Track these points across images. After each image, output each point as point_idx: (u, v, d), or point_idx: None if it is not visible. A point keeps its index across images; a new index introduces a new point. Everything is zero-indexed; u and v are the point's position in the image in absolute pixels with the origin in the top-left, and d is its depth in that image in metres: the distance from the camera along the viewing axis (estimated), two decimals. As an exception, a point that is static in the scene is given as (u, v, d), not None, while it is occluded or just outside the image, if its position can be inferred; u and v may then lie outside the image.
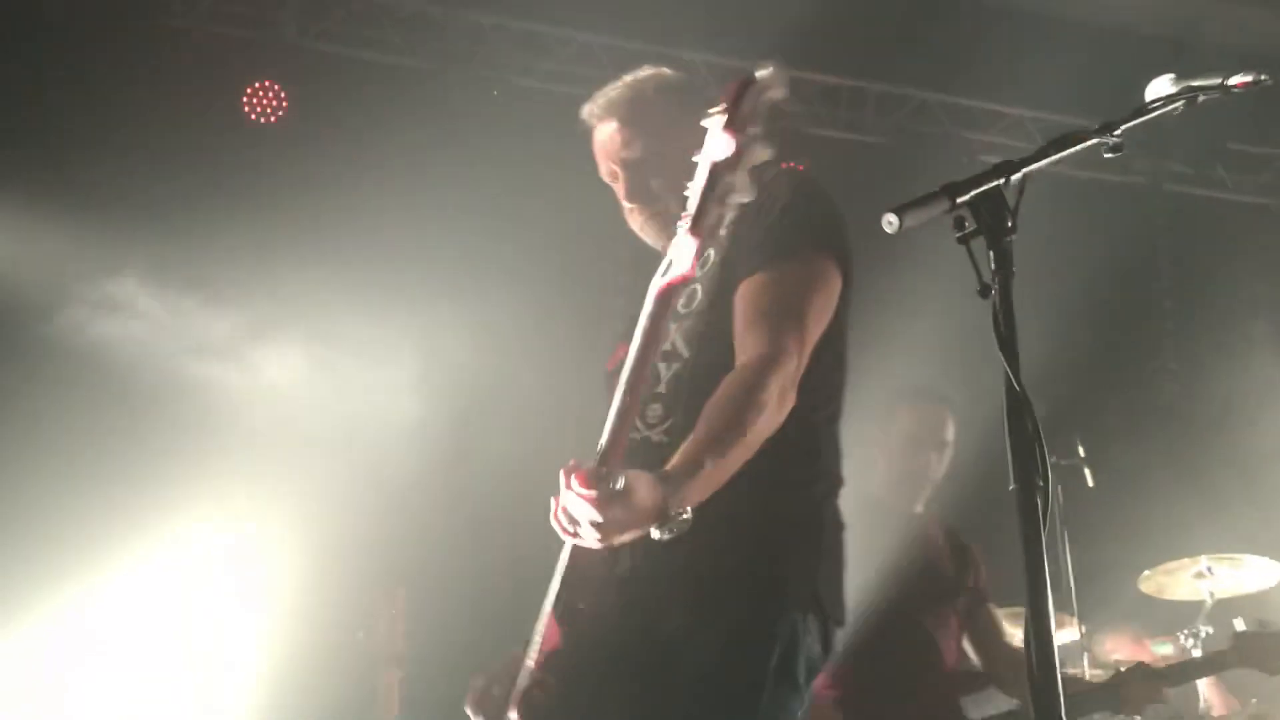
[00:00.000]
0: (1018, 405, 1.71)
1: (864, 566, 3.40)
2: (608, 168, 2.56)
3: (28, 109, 5.33)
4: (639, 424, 2.29)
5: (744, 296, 2.28)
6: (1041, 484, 1.68)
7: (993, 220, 1.75)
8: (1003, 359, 1.72)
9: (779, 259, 2.29)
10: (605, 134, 2.54)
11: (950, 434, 4.12)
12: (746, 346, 2.22)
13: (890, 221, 1.74)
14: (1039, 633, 1.65)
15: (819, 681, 3.46)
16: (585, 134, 2.58)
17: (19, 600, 4.99)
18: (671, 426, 2.30)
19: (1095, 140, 1.84)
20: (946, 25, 6.30)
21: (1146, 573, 4.92)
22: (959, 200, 1.75)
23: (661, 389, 2.33)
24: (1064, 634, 4.38)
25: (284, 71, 6.06)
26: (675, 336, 2.36)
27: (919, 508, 4.07)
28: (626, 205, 2.54)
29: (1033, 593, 1.67)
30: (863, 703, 3.82)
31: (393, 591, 5.24)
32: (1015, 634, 4.14)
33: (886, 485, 4.08)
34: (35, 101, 5.32)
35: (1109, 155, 1.87)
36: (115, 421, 5.20)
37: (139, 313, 5.20)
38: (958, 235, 1.76)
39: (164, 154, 5.45)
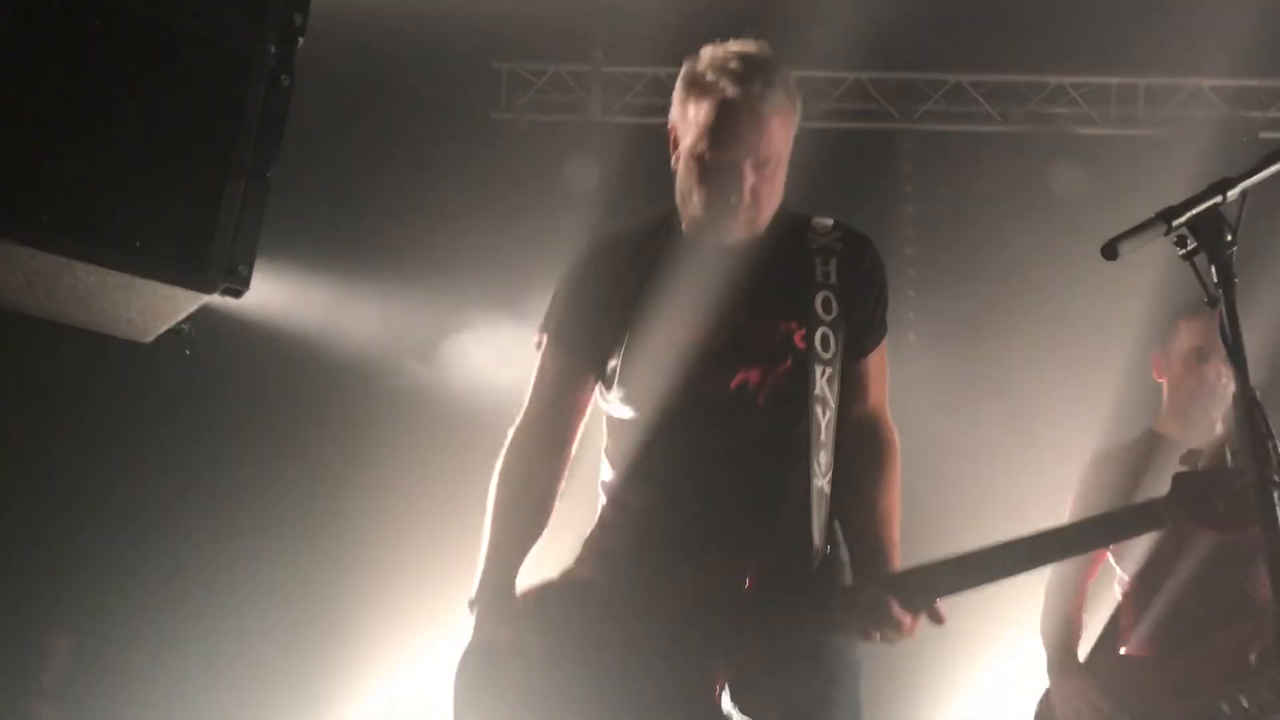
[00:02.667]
0: (1248, 405, 1.83)
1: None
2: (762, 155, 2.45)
3: (384, 197, 6.44)
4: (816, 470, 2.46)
5: (877, 367, 2.54)
6: (1277, 478, 1.78)
7: (1212, 237, 1.87)
8: (1231, 364, 1.86)
9: (882, 335, 2.56)
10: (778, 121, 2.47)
11: None
12: (883, 425, 2.52)
13: (1107, 253, 1.87)
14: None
15: (1133, 647, 3.50)
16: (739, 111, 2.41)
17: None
18: (834, 474, 2.46)
19: None
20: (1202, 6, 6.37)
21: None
22: (1175, 223, 1.88)
23: (824, 437, 2.43)
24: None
25: (592, 145, 6.91)
26: (823, 382, 2.44)
27: (1218, 429, 3.59)
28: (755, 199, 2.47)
29: (1276, 583, 1.77)
30: (1181, 659, 3.44)
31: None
32: None
33: (1172, 416, 3.71)
34: (386, 188, 6.43)
35: None
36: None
37: (480, 362, 6.08)
38: (1181, 254, 1.89)
39: (494, 224, 6.38)
